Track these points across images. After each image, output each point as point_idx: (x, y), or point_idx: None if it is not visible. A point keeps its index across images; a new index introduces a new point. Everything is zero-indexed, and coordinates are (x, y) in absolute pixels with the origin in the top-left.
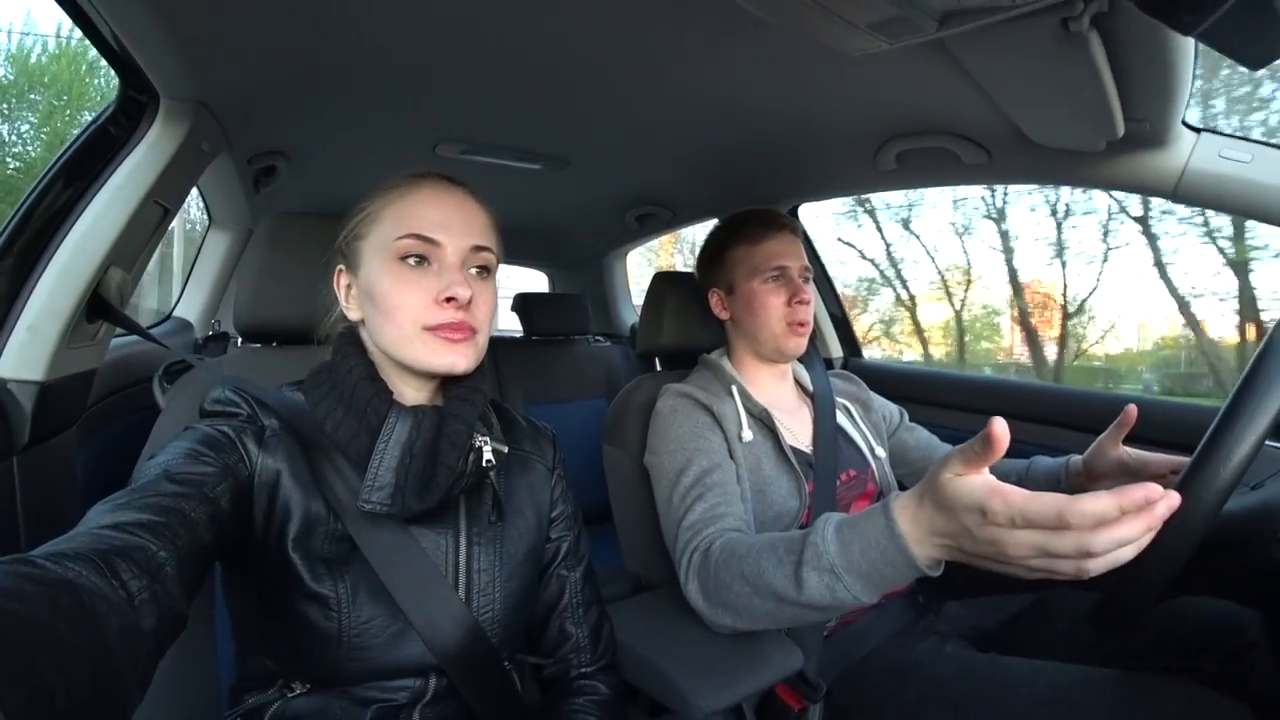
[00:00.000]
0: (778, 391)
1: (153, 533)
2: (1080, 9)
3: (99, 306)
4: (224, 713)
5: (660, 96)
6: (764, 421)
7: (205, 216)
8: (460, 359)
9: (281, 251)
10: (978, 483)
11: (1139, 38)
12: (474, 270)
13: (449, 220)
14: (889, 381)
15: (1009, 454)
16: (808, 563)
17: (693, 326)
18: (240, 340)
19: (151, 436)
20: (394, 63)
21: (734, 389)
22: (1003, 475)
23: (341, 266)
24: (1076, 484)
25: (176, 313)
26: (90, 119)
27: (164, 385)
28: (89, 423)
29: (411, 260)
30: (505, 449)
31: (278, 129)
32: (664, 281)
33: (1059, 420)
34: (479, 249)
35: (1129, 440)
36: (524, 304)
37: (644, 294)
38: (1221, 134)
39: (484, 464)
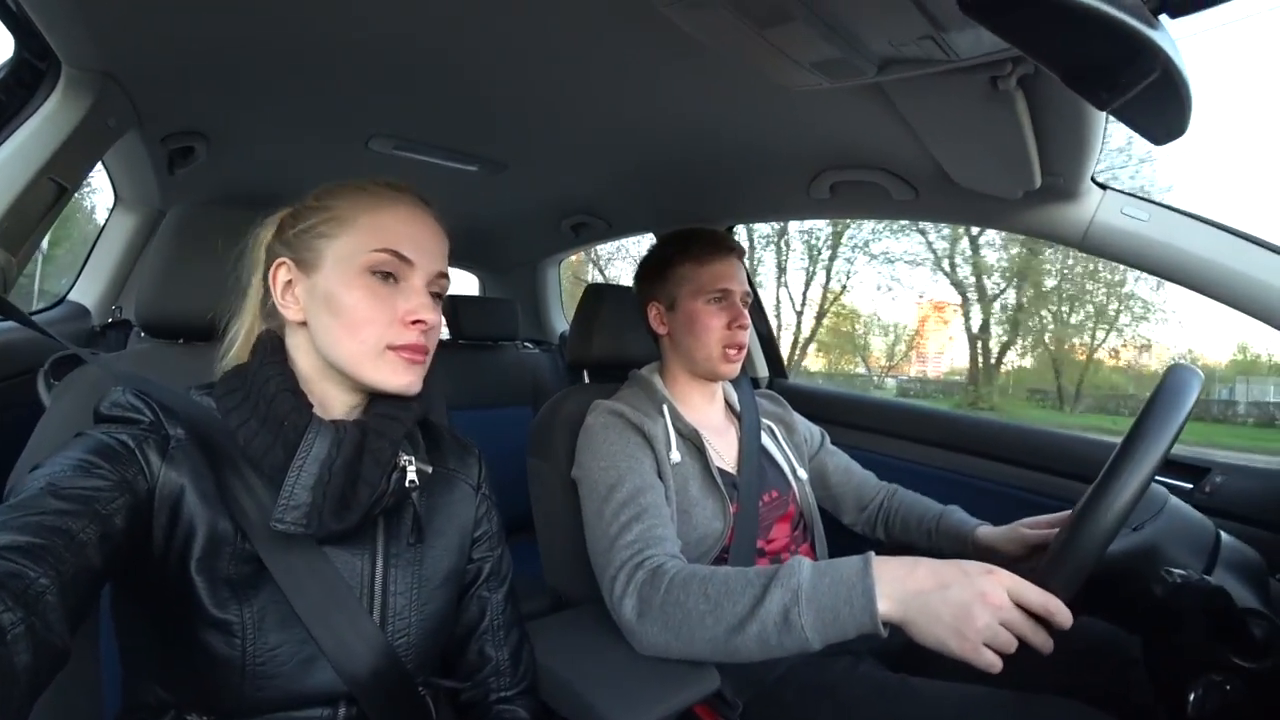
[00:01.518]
0: (707, 411)
1: (31, 557)
2: (1009, 70)
3: None
4: None
5: (602, 109)
6: (693, 442)
7: None
8: (416, 380)
9: (195, 242)
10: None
11: (1059, 101)
12: (433, 294)
13: (424, 242)
14: (811, 403)
15: (931, 483)
16: (778, 581)
17: (623, 340)
18: (141, 333)
19: (33, 439)
20: (327, 50)
21: (665, 408)
22: (917, 521)
23: (286, 261)
24: (983, 557)
25: (72, 296)
26: None
27: (50, 381)
28: None
29: (380, 275)
30: (429, 469)
31: (196, 109)
32: (596, 293)
33: (973, 449)
34: (441, 275)
35: (1034, 469)
36: (453, 306)
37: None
38: (1124, 193)
39: (407, 484)
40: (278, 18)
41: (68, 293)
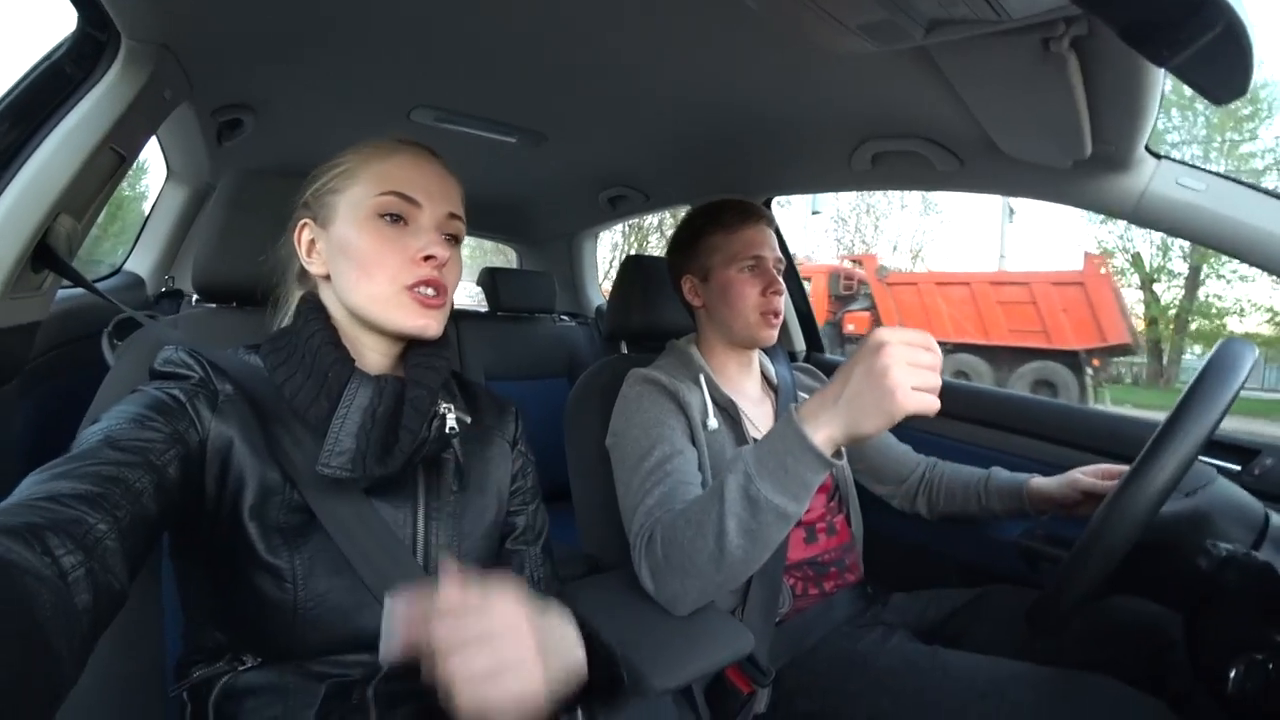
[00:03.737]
0: (743, 382)
1: (90, 504)
2: (1062, 31)
3: (46, 256)
4: (169, 686)
5: (643, 79)
6: (729, 412)
7: None
8: (432, 323)
9: (245, 210)
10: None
11: (1114, 64)
12: (445, 236)
13: (429, 185)
14: None
15: (968, 460)
16: (729, 472)
17: (661, 311)
18: (195, 299)
19: (98, 396)
20: (372, 21)
21: (701, 378)
22: (963, 488)
23: (307, 221)
24: (1039, 507)
25: (128, 267)
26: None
27: (113, 342)
28: (31, 377)
29: (389, 218)
30: (468, 418)
31: (246, 80)
32: (634, 264)
33: (1013, 426)
34: (453, 216)
35: (1076, 448)
36: (490, 279)
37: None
38: (1180, 162)
39: (447, 430)
40: None
41: (123, 263)
